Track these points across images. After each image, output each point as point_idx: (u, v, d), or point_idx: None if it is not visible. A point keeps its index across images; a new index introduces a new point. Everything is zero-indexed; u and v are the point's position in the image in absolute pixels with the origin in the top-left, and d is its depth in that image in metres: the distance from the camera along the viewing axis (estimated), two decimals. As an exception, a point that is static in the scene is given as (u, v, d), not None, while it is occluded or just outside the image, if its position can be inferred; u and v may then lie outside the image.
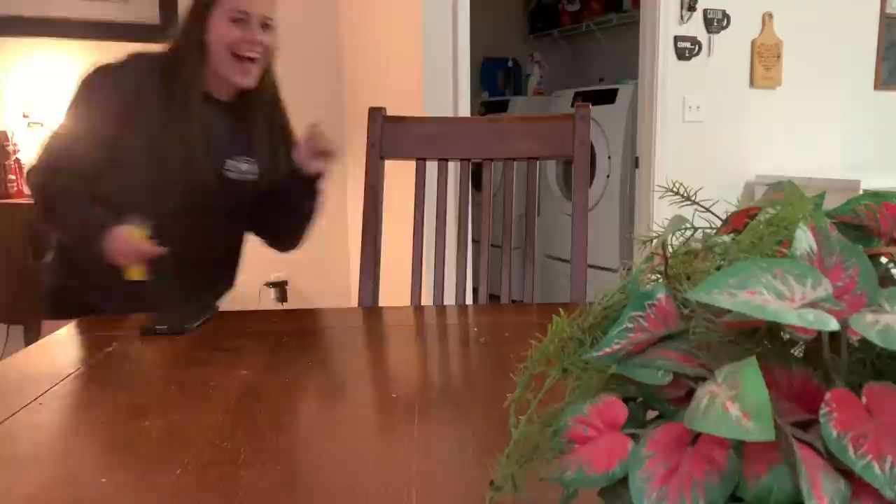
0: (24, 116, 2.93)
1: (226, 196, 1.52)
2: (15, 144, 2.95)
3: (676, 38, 3.21)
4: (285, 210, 1.57)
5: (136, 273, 1.40)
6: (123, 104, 1.43)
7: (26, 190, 2.95)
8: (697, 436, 0.35)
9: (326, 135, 1.48)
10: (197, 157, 1.45)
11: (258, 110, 1.54)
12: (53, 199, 1.45)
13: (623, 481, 0.36)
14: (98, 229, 1.37)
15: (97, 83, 1.45)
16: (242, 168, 1.53)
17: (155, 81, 1.44)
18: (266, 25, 1.47)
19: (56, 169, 1.44)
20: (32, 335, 2.74)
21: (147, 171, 1.45)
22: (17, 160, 2.96)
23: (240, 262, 1.67)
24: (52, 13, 2.97)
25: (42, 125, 2.92)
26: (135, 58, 1.47)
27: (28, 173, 1.48)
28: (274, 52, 1.52)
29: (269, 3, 1.48)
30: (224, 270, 1.65)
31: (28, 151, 2.99)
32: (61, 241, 1.57)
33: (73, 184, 1.43)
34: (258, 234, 1.65)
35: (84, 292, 1.52)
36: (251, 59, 1.45)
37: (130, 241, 1.36)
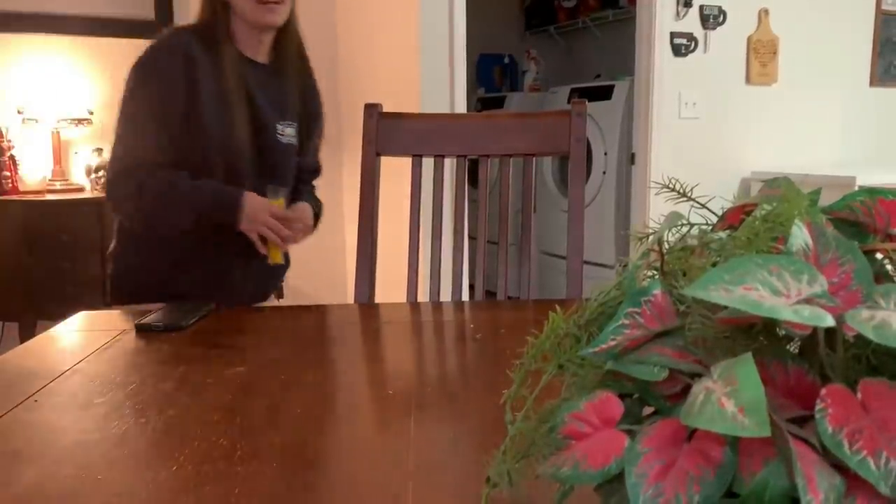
0: (19, 112, 2.92)
1: (283, 159, 1.55)
2: (9, 141, 2.94)
3: (672, 35, 3.21)
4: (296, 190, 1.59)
5: (278, 255, 1.44)
6: (181, 79, 1.41)
7: (22, 186, 2.94)
8: (693, 432, 0.35)
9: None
10: (248, 119, 1.46)
11: (290, 68, 1.56)
12: (153, 200, 1.41)
13: (619, 477, 0.36)
14: (231, 198, 1.39)
15: (152, 64, 1.43)
16: (288, 132, 1.56)
17: (199, 48, 1.43)
18: None
19: (135, 169, 1.40)
20: (27, 332, 2.73)
21: (218, 139, 1.44)
22: (12, 157, 2.95)
23: None
24: (47, 9, 2.96)
25: (37, 121, 2.91)
26: (174, 32, 1.48)
27: (108, 190, 1.44)
28: None
29: None
30: None
31: (22, 147, 2.98)
32: (127, 225, 1.52)
33: (161, 176, 1.40)
34: None
35: (163, 271, 1.50)
36: (275, 2, 1.46)
37: (275, 212, 1.40)
